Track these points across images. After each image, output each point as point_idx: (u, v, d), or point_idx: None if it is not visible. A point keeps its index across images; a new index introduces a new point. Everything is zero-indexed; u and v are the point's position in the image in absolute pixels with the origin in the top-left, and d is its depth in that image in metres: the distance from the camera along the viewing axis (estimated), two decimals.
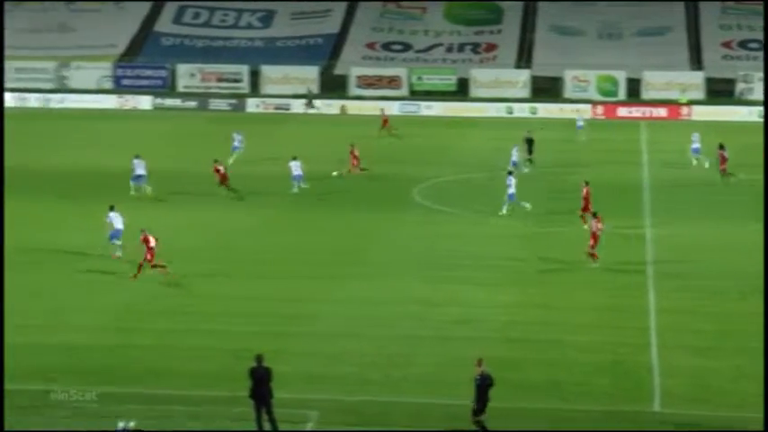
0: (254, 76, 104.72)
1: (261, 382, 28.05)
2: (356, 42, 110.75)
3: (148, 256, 41.95)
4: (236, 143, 67.02)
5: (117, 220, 46.11)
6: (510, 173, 54.69)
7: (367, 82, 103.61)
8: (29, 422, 28.70)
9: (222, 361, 33.22)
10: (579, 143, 76.97)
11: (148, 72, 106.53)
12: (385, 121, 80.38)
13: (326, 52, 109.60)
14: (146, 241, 42.13)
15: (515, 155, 64.05)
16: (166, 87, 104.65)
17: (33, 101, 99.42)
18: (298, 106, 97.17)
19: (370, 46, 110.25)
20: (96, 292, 40.74)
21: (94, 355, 33.95)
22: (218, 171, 57.80)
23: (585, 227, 47.95)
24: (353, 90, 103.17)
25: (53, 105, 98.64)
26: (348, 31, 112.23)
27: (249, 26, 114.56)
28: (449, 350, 33.47)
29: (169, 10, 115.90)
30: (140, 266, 41.88)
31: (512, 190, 53.24)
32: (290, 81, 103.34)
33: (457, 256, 46.02)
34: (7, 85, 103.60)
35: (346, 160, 63.39)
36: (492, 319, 37.51)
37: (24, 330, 35.87)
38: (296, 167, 59.58)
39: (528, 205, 53.39)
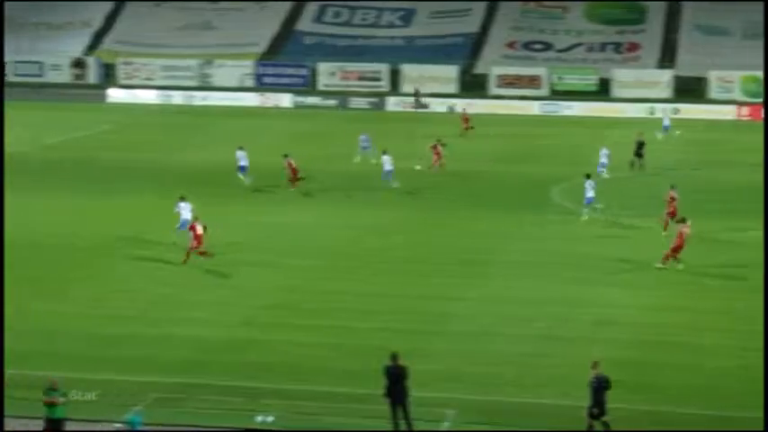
0: (394, 74, 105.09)
1: (396, 381, 27.99)
2: (496, 41, 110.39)
3: (195, 243, 43.10)
4: (363, 143, 67.27)
5: (185, 210, 46.83)
6: (588, 176, 53.38)
7: (507, 81, 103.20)
8: (165, 414, 29.12)
9: (358, 358, 33.30)
10: (698, 143, 75.46)
11: (289, 70, 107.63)
12: (466, 119, 79.98)
13: (466, 51, 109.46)
14: (193, 229, 43.36)
15: (604, 156, 63.14)
16: (307, 86, 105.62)
17: (177, 98, 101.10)
18: (437, 105, 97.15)
19: (511, 45, 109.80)
20: (221, 286, 41.16)
21: (228, 350, 34.31)
22: (290, 165, 58.09)
23: (665, 233, 47.34)
24: (493, 90, 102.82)
25: (196, 103, 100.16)
26: (488, 31, 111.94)
27: (390, 25, 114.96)
28: (585, 351, 33.03)
29: (310, 9, 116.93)
30: (188, 253, 43.19)
31: (590, 194, 52.17)
32: (429, 80, 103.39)
33: (594, 257, 45.45)
34: (153, 82, 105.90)
35: (429, 156, 63.93)
36: (627, 322, 36.95)
37: (158, 323, 36.49)
38: (387, 162, 59.73)
39: (600, 207, 52.50)
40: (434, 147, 64.32)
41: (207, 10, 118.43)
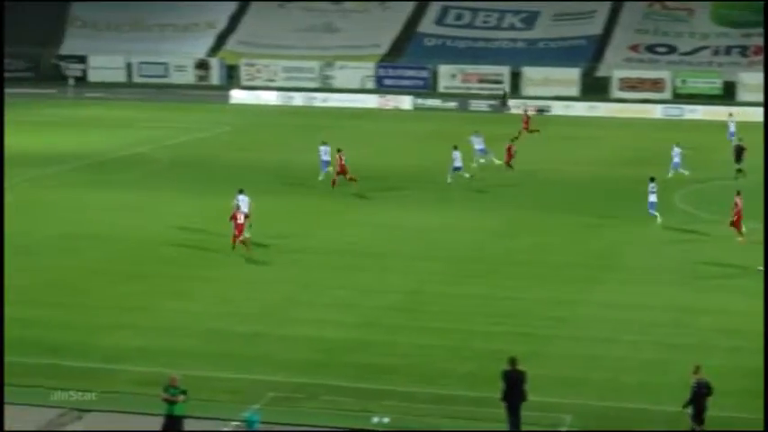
0: (515, 77, 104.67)
1: (514, 385, 27.82)
2: (620, 44, 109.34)
3: (236, 232, 44.48)
4: (476, 146, 66.78)
5: (243, 203, 47.37)
6: (652, 179, 52.42)
7: (629, 84, 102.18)
8: (282, 413, 29.31)
9: (476, 361, 33.18)
10: None
11: (410, 72, 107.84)
12: (527, 120, 79.02)
13: (589, 54, 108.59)
14: (234, 219, 44.85)
15: (677, 156, 62.27)
16: (427, 88, 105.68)
17: (298, 99, 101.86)
18: (558, 108, 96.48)
19: (634, 48, 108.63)
20: (342, 287, 41.26)
21: (348, 351, 34.43)
22: (340, 160, 58.30)
23: (740, 239, 46.81)
24: (615, 93, 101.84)
25: (316, 104, 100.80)
26: (612, 33, 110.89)
27: (512, 27, 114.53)
28: (706, 359, 32.47)
29: (432, 11, 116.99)
30: (235, 241, 44.69)
31: (653, 198, 51.53)
32: (551, 83, 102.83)
33: (716, 263, 44.70)
34: (274, 83, 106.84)
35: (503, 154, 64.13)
36: (750, 330, 36.23)
37: (280, 323, 36.76)
38: (458, 159, 60.15)
39: (658, 216, 51.62)
40: (509, 148, 64.26)
41: (330, 11, 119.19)
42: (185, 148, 73.62)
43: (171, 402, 27.16)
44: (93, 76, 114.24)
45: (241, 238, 44.76)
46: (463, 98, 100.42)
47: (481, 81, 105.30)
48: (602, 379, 32.19)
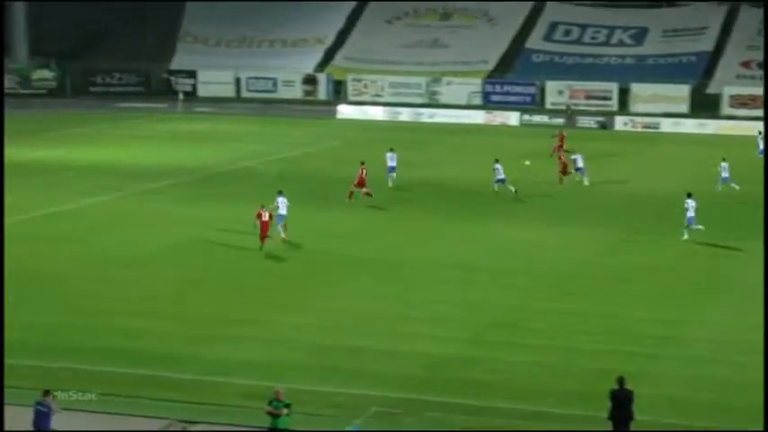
0: (623, 93, 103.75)
1: (621, 405, 27.53)
2: (731, 60, 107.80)
3: (262, 231, 47.39)
4: (578, 163, 66.29)
5: (283, 206, 49.87)
6: (689, 195, 51.78)
7: (740, 102, 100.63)
8: (383, 428, 29.32)
9: (579, 380, 32.90)
10: None
11: (518, 88, 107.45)
12: (561, 138, 77.43)
13: (699, 70, 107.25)
14: (259, 216, 47.37)
15: (725, 171, 62.15)
16: (534, 104, 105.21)
17: (405, 115, 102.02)
18: (667, 125, 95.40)
19: (745, 65, 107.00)
20: (446, 301, 41.13)
21: (451, 367, 34.34)
22: (361, 172, 59.01)
23: None
24: (726, 110, 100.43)
25: (423, 120, 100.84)
26: (723, 49, 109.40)
27: (620, 43, 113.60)
28: None
29: (541, 27, 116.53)
30: (263, 241, 47.47)
31: (690, 213, 50.98)
32: (659, 99, 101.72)
33: None
34: (381, 99, 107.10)
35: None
36: None
37: (385, 338, 36.79)
38: (500, 171, 61.37)
39: (702, 227, 50.80)
40: (560, 156, 65.61)
41: (437, 28, 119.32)
42: (293, 162, 74.10)
43: (275, 416, 27.30)
44: (202, 91, 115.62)
45: (268, 234, 47.65)
46: (570, 114, 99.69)
47: (588, 97, 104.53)
48: (708, 400, 31.72)
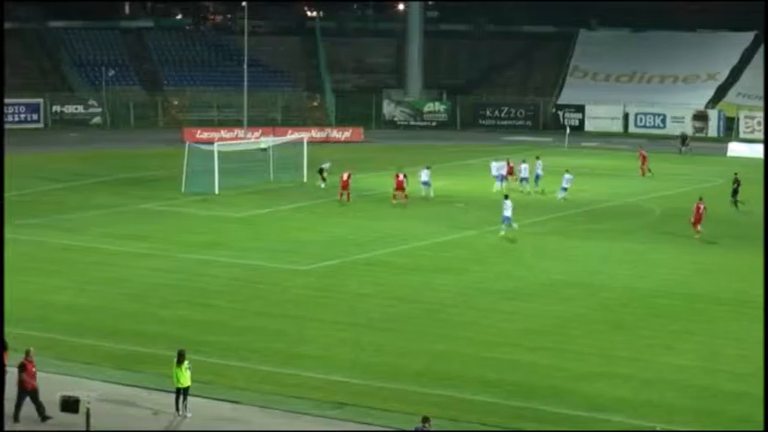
0: None
1: None
2: None
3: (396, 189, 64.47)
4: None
5: (508, 209, 56.18)
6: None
7: None
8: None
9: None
10: None
11: None
12: (644, 158, 79.35)
13: None
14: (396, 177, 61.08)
15: None
16: None
17: None
18: None
19: None
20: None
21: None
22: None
23: None
24: None
25: None
26: None
27: None
28: None
29: None
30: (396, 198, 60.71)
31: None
32: None
33: None
34: None
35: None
36: None
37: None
38: (566, 180, 68.87)
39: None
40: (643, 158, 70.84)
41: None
42: (678, 199, 72.36)
43: None
44: (589, 126, 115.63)
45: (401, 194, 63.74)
46: None
47: None
48: None
